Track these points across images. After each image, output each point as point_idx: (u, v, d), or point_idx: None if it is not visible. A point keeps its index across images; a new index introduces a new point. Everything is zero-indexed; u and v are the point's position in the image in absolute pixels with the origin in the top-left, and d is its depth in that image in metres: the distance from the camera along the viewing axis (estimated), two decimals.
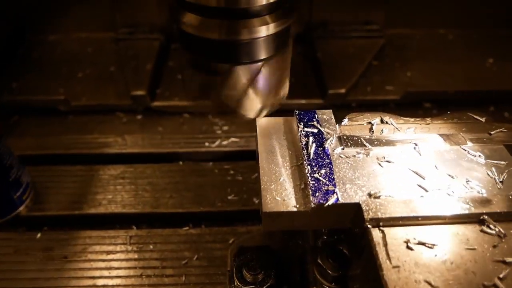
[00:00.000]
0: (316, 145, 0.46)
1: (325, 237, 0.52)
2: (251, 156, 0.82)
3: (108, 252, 0.63)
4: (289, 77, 0.54)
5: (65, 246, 0.64)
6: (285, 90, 0.54)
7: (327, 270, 0.48)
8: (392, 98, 0.95)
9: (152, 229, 0.67)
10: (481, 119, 0.50)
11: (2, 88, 0.93)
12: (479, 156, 0.45)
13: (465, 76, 0.99)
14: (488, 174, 0.43)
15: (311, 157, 0.44)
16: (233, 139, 0.81)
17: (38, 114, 0.91)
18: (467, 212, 0.39)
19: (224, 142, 0.81)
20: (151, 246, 0.64)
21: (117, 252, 0.64)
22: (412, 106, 0.96)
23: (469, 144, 0.47)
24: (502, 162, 0.44)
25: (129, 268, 0.62)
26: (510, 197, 0.40)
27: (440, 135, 0.48)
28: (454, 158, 0.45)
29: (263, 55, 0.48)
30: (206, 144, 0.80)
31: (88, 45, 1.06)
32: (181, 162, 0.79)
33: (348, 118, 0.51)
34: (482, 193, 0.41)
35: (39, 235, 0.66)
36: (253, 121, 0.91)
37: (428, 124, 0.50)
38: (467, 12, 1.11)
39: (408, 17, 1.12)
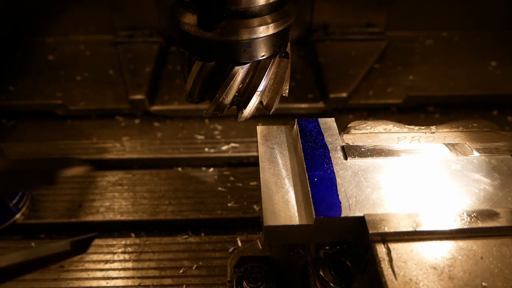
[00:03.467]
0: (318, 155, 0.45)
1: (327, 248, 0.50)
2: (251, 162, 0.81)
3: (106, 261, 0.62)
4: (289, 79, 0.53)
5: None
6: (285, 90, 0.53)
7: (330, 283, 0.46)
8: (394, 102, 0.94)
9: (151, 237, 0.66)
10: (487, 129, 0.49)
11: None
12: (486, 166, 0.44)
13: (468, 80, 0.98)
14: (495, 186, 0.42)
15: (313, 168, 0.43)
16: (233, 144, 0.80)
17: (36, 118, 0.90)
18: (474, 226, 0.38)
19: (224, 148, 0.80)
20: (150, 255, 0.63)
21: (115, 261, 0.62)
22: (414, 110, 0.95)
23: (476, 154, 0.45)
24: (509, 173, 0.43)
25: (127, 277, 0.61)
26: None
27: (446, 144, 0.46)
28: (460, 169, 0.44)
29: (262, 55, 0.47)
30: (206, 149, 0.79)
31: (86, 48, 1.05)
32: (180, 169, 0.77)
33: (351, 126, 0.50)
34: (489, 206, 0.40)
35: (35, 243, 0.65)
36: (252, 126, 0.90)
37: (433, 133, 0.49)
38: (470, 15, 1.10)
39: (410, 19, 1.11)
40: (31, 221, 0.68)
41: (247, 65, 0.47)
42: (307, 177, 0.42)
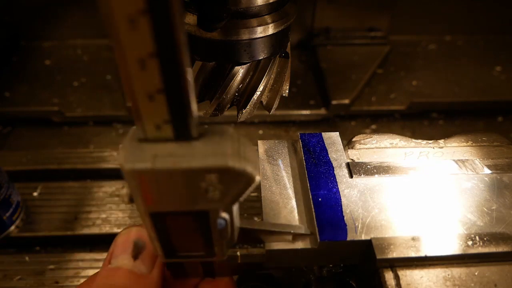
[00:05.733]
0: (322, 173, 0.43)
1: (331, 266, 0.48)
2: None
3: None
4: (289, 79, 0.53)
5: (56, 270, 0.61)
6: (285, 90, 0.52)
7: None
8: (398, 108, 0.92)
9: None
10: (498, 143, 0.47)
11: None
12: (498, 185, 0.42)
13: (472, 85, 0.96)
14: (507, 206, 0.40)
15: (317, 187, 0.41)
16: None
17: (32, 125, 0.89)
18: (487, 251, 0.36)
19: None
20: None
21: None
22: (418, 117, 0.93)
23: (486, 171, 0.44)
24: None
25: None
26: None
27: (455, 161, 0.45)
28: (471, 188, 0.42)
29: (262, 55, 0.46)
30: None
31: (83, 53, 1.03)
32: None
33: (355, 141, 0.48)
34: (502, 228, 0.38)
35: (29, 257, 0.63)
36: (253, 133, 0.89)
37: (442, 148, 0.47)
38: (474, 18, 1.08)
39: (413, 23, 1.09)
40: (25, 234, 0.66)
41: (247, 65, 0.46)
42: (310, 196, 0.40)
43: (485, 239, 0.37)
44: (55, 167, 0.75)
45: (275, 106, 0.51)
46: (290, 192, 0.43)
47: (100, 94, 0.92)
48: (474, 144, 0.48)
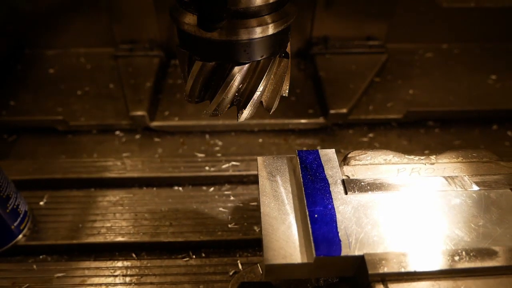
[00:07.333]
0: (318, 189, 0.45)
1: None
2: (251, 180, 0.82)
3: (107, 285, 0.63)
4: (289, 79, 0.53)
5: (63, 278, 0.63)
6: (285, 91, 0.53)
7: None
8: (394, 117, 0.94)
9: (152, 260, 0.66)
10: (487, 159, 0.49)
11: (0, 106, 0.92)
12: (485, 201, 0.44)
13: (468, 94, 0.98)
14: (494, 222, 0.42)
15: (313, 203, 0.43)
16: (233, 162, 0.80)
17: (36, 133, 0.91)
18: (473, 266, 0.38)
19: (224, 166, 0.80)
20: (151, 278, 0.63)
21: (116, 284, 0.63)
22: (414, 125, 0.96)
23: (475, 187, 0.46)
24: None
25: None
26: None
27: (445, 177, 0.47)
28: (459, 204, 0.44)
29: (262, 55, 0.47)
30: (206, 168, 0.79)
31: (87, 61, 1.05)
32: (180, 188, 0.78)
33: (351, 157, 0.50)
34: (488, 244, 0.40)
35: (37, 266, 0.65)
36: (252, 141, 0.91)
37: (433, 164, 0.49)
38: (470, 27, 1.10)
39: (410, 31, 1.11)
40: (32, 243, 0.68)
41: (247, 65, 0.47)
42: (307, 213, 0.42)
43: (471, 254, 0.39)
44: (60, 176, 0.78)
45: (275, 106, 0.51)
46: (288, 208, 0.45)
47: (103, 103, 0.94)
48: (464, 160, 0.50)
